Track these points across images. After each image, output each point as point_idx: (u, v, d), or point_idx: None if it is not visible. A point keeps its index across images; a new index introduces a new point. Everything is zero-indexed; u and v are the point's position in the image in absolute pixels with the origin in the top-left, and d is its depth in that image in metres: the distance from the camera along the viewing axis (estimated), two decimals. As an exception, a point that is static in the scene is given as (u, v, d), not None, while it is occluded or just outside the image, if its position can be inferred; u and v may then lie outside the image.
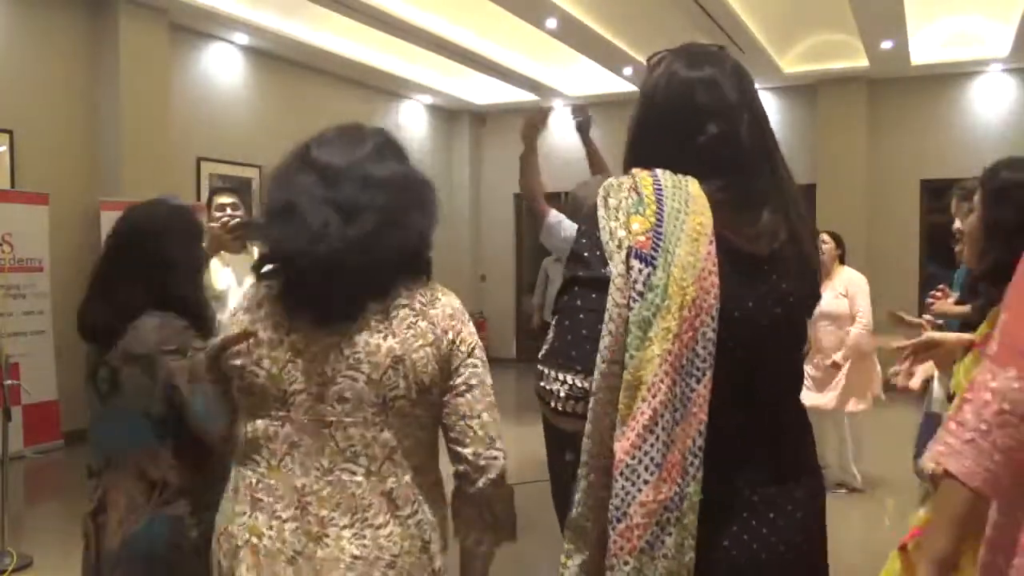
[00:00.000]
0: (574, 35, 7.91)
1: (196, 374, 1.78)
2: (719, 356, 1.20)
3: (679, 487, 1.17)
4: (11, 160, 6.26)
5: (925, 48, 8.57)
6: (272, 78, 8.52)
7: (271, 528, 1.41)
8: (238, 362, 1.45)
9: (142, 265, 1.92)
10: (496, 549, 1.51)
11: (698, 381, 1.19)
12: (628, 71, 8.90)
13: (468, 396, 1.43)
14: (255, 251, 3.97)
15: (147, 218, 2.00)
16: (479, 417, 1.42)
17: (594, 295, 1.23)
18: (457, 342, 1.45)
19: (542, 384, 1.24)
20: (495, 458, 1.41)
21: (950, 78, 9.19)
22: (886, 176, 9.50)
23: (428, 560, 1.44)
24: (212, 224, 3.71)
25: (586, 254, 1.26)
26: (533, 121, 3.15)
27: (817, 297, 1.40)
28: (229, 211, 3.76)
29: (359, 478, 1.41)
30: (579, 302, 1.24)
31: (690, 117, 1.30)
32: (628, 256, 1.20)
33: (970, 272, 3.00)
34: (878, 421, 5.60)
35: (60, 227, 6.26)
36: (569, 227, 3.16)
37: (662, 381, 1.17)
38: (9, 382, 4.24)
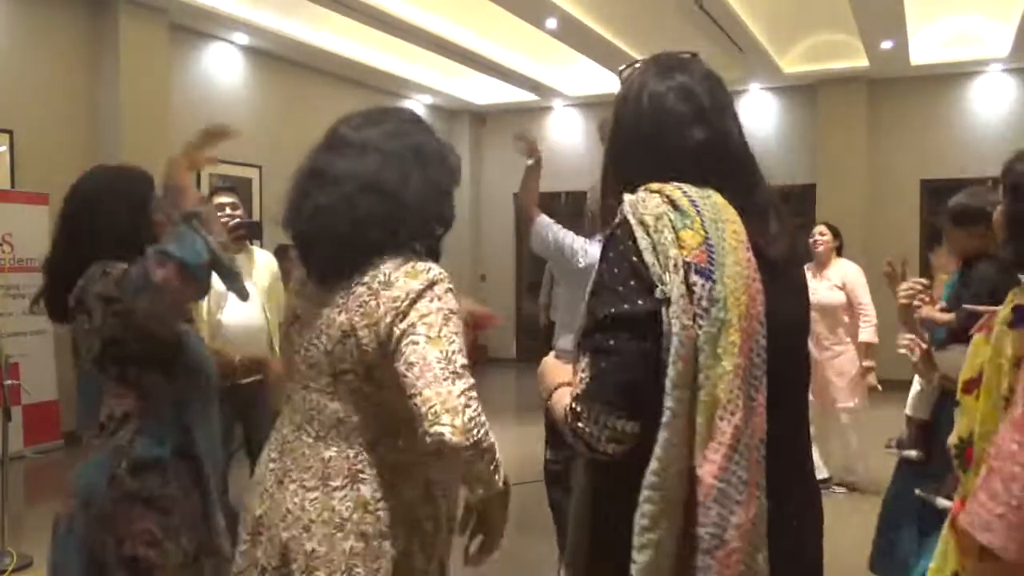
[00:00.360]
0: (574, 35, 7.91)
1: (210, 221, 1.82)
2: (772, 360, 1.19)
3: (759, 501, 1.14)
4: (11, 160, 6.26)
5: (925, 48, 8.57)
6: (272, 78, 8.52)
7: (263, 464, 1.61)
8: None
9: (85, 236, 1.90)
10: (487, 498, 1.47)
11: (757, 391, 1.17)
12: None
13: (409, 375, 1.37)
14: (254, 251, 3.99)
15: (76, 189, 2.01)
16: (420, 394, 1.35)
17: (631, 333, 1.17)
18: (398, 322, 1.43)
19: (580, 425, 1.18)
20: (440, 434, 1.32)
21: (950, 78, 9.19)
22: (886, 176, 9.49)
23: (341, 537, 1.46)
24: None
25: (620, 287, 1.19)
26: (533, 144, 3.19)
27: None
28: (228, 211, 3.76)
29: (309, 440, 1.54)
30: (615, 343, 1.17)
31: (671, 127, 1.28)
32: (687, 273, 1.15)
33: (961, 276, 2.99)
34: (874, 419, 5.59)
35: (60, 227, 6.26)
36: (558, 231, 3.18)
37: (738, 397, 1.13)
38: (9, 382, 4.24)
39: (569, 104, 10.96)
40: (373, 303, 1.47)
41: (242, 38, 7.97)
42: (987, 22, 8.28)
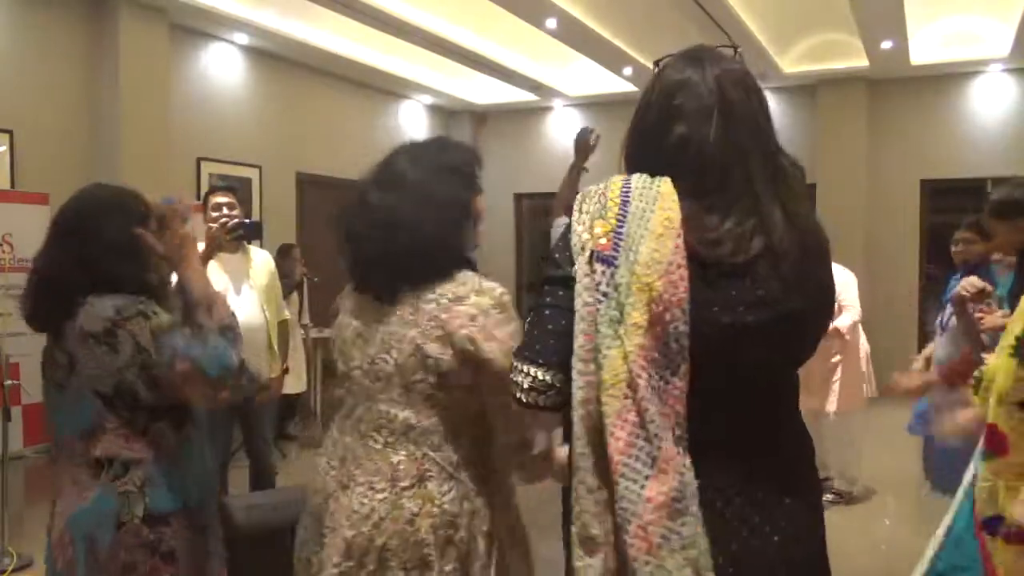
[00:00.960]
0: (574, 35, 7.90)
1: (212, 303, 1.83)
2: (695, 350, 1.20)
3: (680, 476, 1.17)
4: (11, 160, 6.25)
5: (925, 48, 8.57)
6: (272, 78, 8.52)
7: (323, 471, 1.75)
8: (336, 349, 1.80)
9: (75, 248, 1.87)
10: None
11: (673, 373, 1.19)
12: (628, 71, 8.90)
13: (503, 394, 1.44)
14: (251, 251, 3.98)
15: (76, 202, 1.97)
16: (513, 417, 1.56)
17: (560, 292, 1.28)
18: (473, 336, 1.61)
19: (511, 376, 1.30)
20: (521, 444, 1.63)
21: (950, 78, 9.19)
22: (886, 176, 9.49)
23: (413, 531, 1.61)
24: (210, 224, 3.70)
25: (557, 255, 1.32)
26: (587, 142, 3.20)
27: (824, 309, 1.35)
28: (226, 210, 3.75)
29: (378, 447, 1.67)
30: (547, 299, 1.30)
31: (665, 120, 1.31)
32: (591, 259, 1.24)
33: (1019, 269, 2.95)
34: (872, 422, 5.59)
35: (60, 227, 6.25)
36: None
37: (639, 376, 1.17)
38: (9, 382, 4.24)
39: (569, 104, 10.95)
40: (445, 317, 1.63)
41: (242, 38, 7.96)
42: (987, 22, 8.28)
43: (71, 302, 1.81)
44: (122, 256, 1.86)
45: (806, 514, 1.32)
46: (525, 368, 1.28)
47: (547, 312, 1.29)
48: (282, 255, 6.56)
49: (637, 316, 1.19)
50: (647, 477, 1.16)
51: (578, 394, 1.22)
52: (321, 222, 9.55)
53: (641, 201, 1.25)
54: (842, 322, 4.87)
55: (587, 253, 1.24)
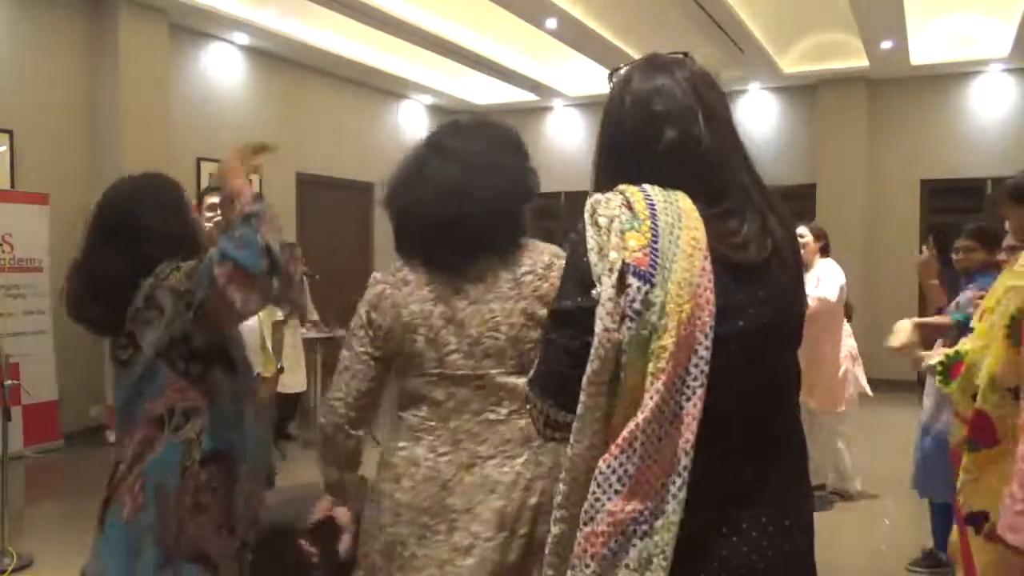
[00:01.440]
0: (574, 35, 7.91)
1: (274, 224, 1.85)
2: (727, 368, 1.18)
3: (652, 504, 1.16)
4: (11, 160, 6.26)
5: (925, 48, 8.57)
6: (272, 78, 8.52)
7: (426, 460, 1.70)
8: (396, 336, 1.74)
9: (118, 240, 1.90)
10: None
11: (688, 400, 1.16)
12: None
13: None
14: None
15: (114, 194, 1.99)
16: None
17: (562, 329, 1.24)
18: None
19: (529, 407, 1.31)
20: None
21: (950, 78, 9.19)
22: (886, 176, 9.49)
23: (553, 484, 1.56)
24: (206, 224, 3.70)
25: (568, 284, 1.26)
26: None
27: (803, 302, 1.37)
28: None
29: (502, 417, 1.70)
30: (554, 336, 1.26)
31: (648, 127, 1.28)
32: (624, 274, 1.17)
33: (967, 282, 3.00)
34: (868, 421, 5.58)
35: (60, 227, 6.24)
36: None
37: (651, 398, 1.15)
38: (9, 382, 4.23)
39: (569, 104, 10.96)
40: (546, 286, 1.69)
41: (242, 38, 7.97)
42: (987, 22, 8.28)
43: (120, 292, 1.85)
44: (172, 247, 1.90)
45: (807, 514, 1.32)
46: (539, 405, 1.27)
47: (555, 352, 1.25)
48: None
49: (666, 339, 1.15)
50: (616, 492, 1.16)
51: (586, 415, 1.19)
52: (321, 222, 9.55)
53: (667, 216, 1.20)
54: (825, 292, 4.74)
55: (616, 272, 1.17)
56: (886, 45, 8.14)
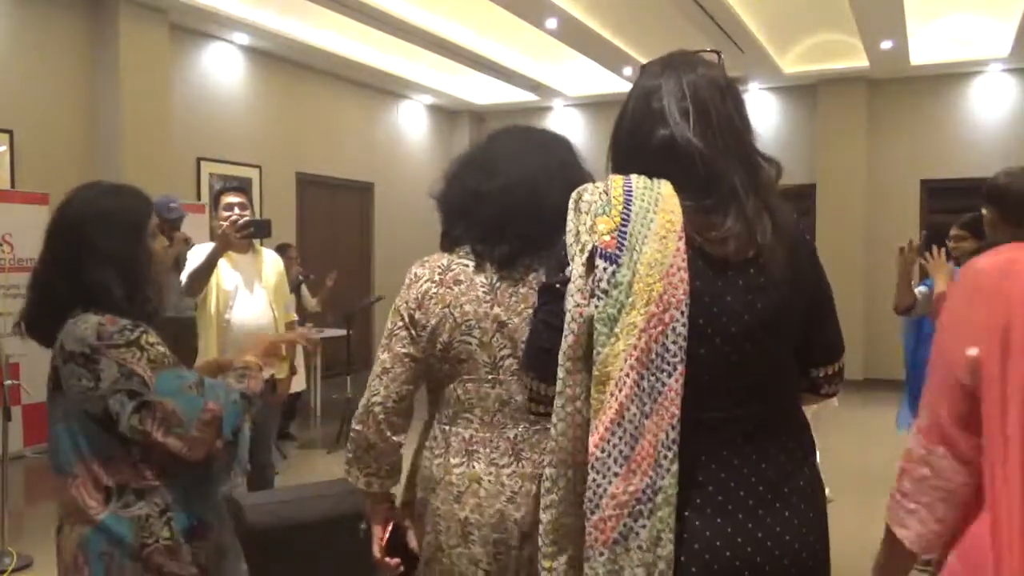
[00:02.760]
0: (574, 35, 7.90)
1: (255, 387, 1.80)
2: (700, 348, 1.22)
3: (651, 479, 1.19)
4: (11, 160, 6.26)
5: (925, 48, 8.57)
6: (272, 78, 8.52)
7: (487, 475, 1.61)
8: (444, 338, 1.64)
9: (65, 257, 1.74)
10: None
11: (669, 375, 1.20)
12: (628, 71, 8.90)
13: None
14: (262, 251, 3.99)
15: (68, 204, 1.81)
16: None
17: (547, 305, 1.32)
18: None
19: (520, 381, 1.40)
20: None
21: (950, 78, 9.19)
22: (886, 176, 9.49)
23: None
24: (221, 223, 3.71)
25: (554, 264, 1.35)
26: None
27: (815, 299, 1.35)
28: (237, 210, 3.76)
29: (536, 426, 1.60)
30: (538, 313, 1.34)
31: (645, 123, 1.33)
32: (592, 256, 1.24)
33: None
34: (867, 420, 5.57)
35: (60, 227, 6.26)
36: None
37: (627, 375, 1.20)
38: (9, 382, 4.23)
39: (569, 104, 10.96)
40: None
41: (242, 38, 7.97)
42: (987, 22, 8.28)
43: (61, 315, 1.71)
44: (115, 271, 1.72)
45: (808, 508, 1.32)
46: (524, 378, 1.36)
47: (538, 325, 1.34)
48: (279, 254, 6.56)
49: (635, 316, 1.20)
50: (616, 474, 1.19)
51: (565, 392, 1.24)
52: (321, 222, 9.56)
53: (643, 201, 1.26)
54: None
55: (587, 252, 1.25)
56: (886, 45, 8.14)
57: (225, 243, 3.54)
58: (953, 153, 9.15)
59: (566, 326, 1.24)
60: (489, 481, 1.61)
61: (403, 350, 1.66)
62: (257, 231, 3.68)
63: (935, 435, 1.20)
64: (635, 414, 1.20)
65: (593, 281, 1.23)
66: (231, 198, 3.82)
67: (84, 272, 1.71)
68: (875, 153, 9.53)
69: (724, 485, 1.25)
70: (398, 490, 1.79)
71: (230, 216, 3.71)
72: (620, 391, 1.20)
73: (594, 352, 1.22)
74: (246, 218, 3.69)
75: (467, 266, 1.66)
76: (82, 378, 1.65)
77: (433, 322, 1.64)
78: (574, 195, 1.33)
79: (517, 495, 1.60)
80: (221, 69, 7.99)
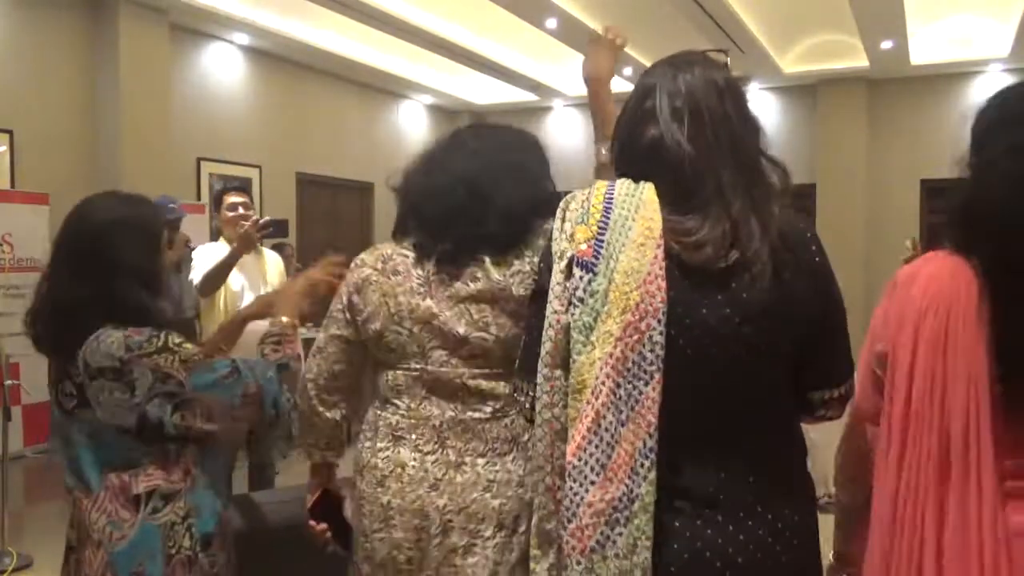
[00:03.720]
0: (574, 35, 7.90)
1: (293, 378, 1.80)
2: (673, 358, 1.20)
3: (627, 487, 1.19)
4: (11, 160, 6.26)
5: (925, 48, 8.57)
6: (272, 78, 8.52)
7: (409, 461, 1.65)
8: (377, 325, 1.68)
9: (86, 267, 1.71)
10: None
11: (646, 384, 1.19)
12: (628, 71, 8.89)
13: None
14: (264, 251, 4.00)
15: (89, 215, 1.78)
16: None
17: (531, 309, 1.37)
18: None
19: (515, 393, 1.42)
20: None
21: (950, 78, 9.19)
22: (886, 176, 9.49)
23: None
24: (227, 223, 3.72)
25: (541, 264, 1.38)
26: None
27: (783, 313, 1.25)
28: (241, 210, 3.77)
29: (486, 416, 1.65)
30: (531, 319, 1.37)
31: (638, 123, 1.32)
32: (570, 265, 1.25)
33: None
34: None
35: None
36: None
37: (603, 383, 1.19)
38: (9, 382, 4.24)
39: (569, 104, 10.95)
40: (523, 288, 1.62)
41: (242, 38, 7.97)
42: (987, 22, 8.28)
43: (83, 330, 1.69)
44: (141, 284, 1.73)
45: (794, 513, 1.28)
46: (519, 383, 1.39)
47: (527, 330, 1.38)
48: (277, 253, 6.57)
49: (610, 324, 1.20)
50: (592, 482, 1.19)
51: (543, 398, 1.26)
52: (321, 222, 9.55)
53: (624, 208, 1.25)
54: None
55: (565, 260, 1.26)
56: (886, 45, 8.14)
57: (246, 243, 3.56)
58: (953, 153, 9.14)
59: (544, 333, 1.26)
60: (413, 467, 1.65)
61: (337, 332, 1.74)
62: (276, 230, 3.70)
63: (857, 415, 1.34)
64: (612, 422, 1.19)
65: (571, 289, 1.24)
66: (234, 198, 3.83)
67: (109, 285, 1.70)
68: (875, 153, 9.53)
69: (707, 491, 1.23)
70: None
71: (234, 216, 3.71)
72: (596, 399, 1.20)
73: (571, 361, 1.23)
74: (250, 218, 3.70)
75: (407, 257, 1.71)
76: (115, 391, 1.65)
77: (369, 309, 1.69)
78: (562, 203, 1.33)
79: (440, 482, 1.63)
80: (221, 69, 7.99)
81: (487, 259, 1.64)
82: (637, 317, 1.20)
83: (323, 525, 1.83)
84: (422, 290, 1.67)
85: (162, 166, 6.95)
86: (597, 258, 1.24)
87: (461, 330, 1.63)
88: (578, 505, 1.20)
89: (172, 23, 7.17)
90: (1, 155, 6.21)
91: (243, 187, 4.27)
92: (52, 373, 1.78)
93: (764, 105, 9.89)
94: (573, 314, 1.23)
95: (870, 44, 8.15)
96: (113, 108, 6.74)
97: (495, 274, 1.63)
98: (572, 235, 1.27)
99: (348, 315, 1.73)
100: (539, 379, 1.26)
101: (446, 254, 1.66)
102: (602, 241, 1.24)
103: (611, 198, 1.27)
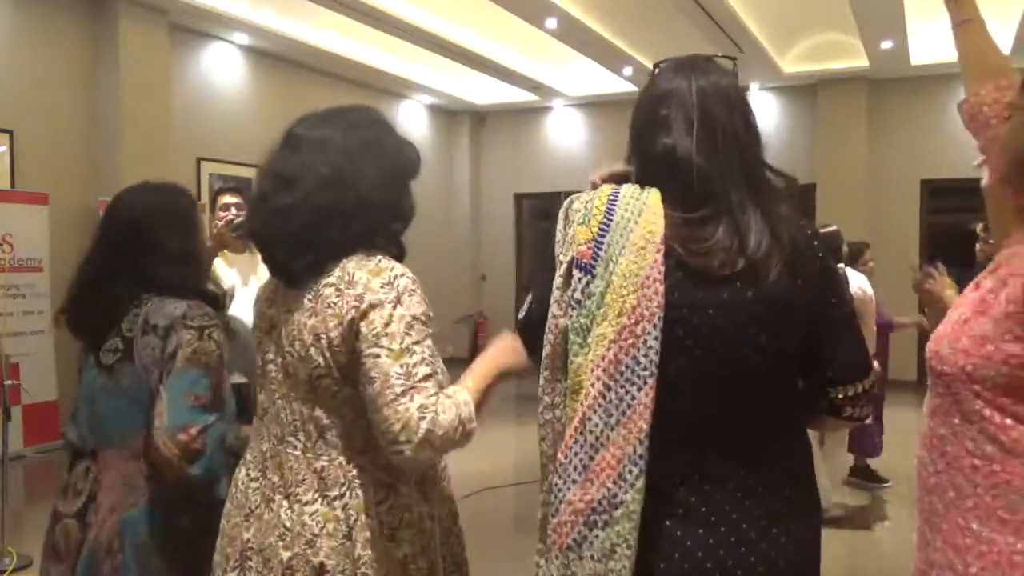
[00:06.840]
0: (574, 35, 7.91)
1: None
2: (680, 358, 1.20)
3: (609, 491, 1.18)
4: (11, 160, 6.26)
5: (925, 48, 8.57)
6: (272, 78, 8.52)
7: (242, 483, 1.54)
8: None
9: (129, 253, 1.82)
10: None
11: (639, 389, 1.18)
12: (628, 71, 8.90)
13: (369, 389, 1.37)
14: (256, 251, 4.00)
15: (130, 202, 1.90)
16: (379, 412, 1.35)
17: (532, 302, 1.38)
18: (360, 323, 1.39)
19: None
20: (400, 452, 1.34)
21: (950, 78, 9.18)
22: (886, 176, 9.50)
23: (350, 546, 1.41)
24: (217, 223, 3.73)
25: (548, 270, 1.36)
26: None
27: (790, 318, 1.26)
28: (234, 211, 3.77)
29: (297, 452, 1.47)
30: (525, 309, 1.40)
31: (652, 129, 1.31)
32: (569, 267, 1.26)
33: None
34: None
35: (60, 227, 6.25)
36: None
37: (593, 385, 1.20)
38: (9, 382, 4.23)
39: (569, 104, 10.95)
40: (340, 303, 1.41)
41: (242, 38, 7.97)
42: (987, 22, 8.28)
43: (125, 309, 1.79)
44: (183, 266, 1.83)
45: (793, 521, 1.27)
46: (539, 378, 1.36)
47: (546, 331, 1.37)
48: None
49: (605, 327, 1.20)
50: (574, 481, 1.21)
51: (544, 399, 1.28)
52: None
53: (626, 212, 1.26)
54: None
55: (565, 264, 1.27)
56: (886, 45, 8.15)
57: (219, 243, 3.59)
58: (953, 153, 9.14)
59: (545, 336, 1.27)
60: (240, 490, 1.54)
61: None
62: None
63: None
64: (597, 424, 1.20)
65: (569, 291, 1.25)
66: (228, 198, 3.85)
67: (156, 270, 1.81)
68: (875, 153, 9.53)
69: (707, 496, 1.22)
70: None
71: (226, 216, 3.74)
72: (584, 401, 1.21)
73: (568, 362, 1.24)
74: (241, 218, 3.71)
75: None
76: (155, 348, 1.74)
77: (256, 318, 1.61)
78: (565, 203, 1.33)
79: (251, 515, 1.49)
80: (221, 69, 7.99)
81: (314, 265, 1.47)
82: (633, 320, 1.19)
83: None
84: (272, 298, 1.57)
85: (162, 166, 6.94)
86: (596, 260, 1.24)
87: (284, 343, 1.50)
88: (560, 502, 1.22)
89: (172, 23, 7.17)
90: (1, 155, 6.21)
91: (239, 188, 4.27)
92: (90, 340, 1.86)
93: (764, 105, 9.89)
94: (571, 316, 1.24)
95: (870, 44, 8.16)
96: (113, 108, 6.74)
97: (311, 282, 1.48)
98: (574, 237, 1.28)
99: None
100: (540, 381, 1.28)
101: (310, 265, 1.48)
102: (602, 243, 1.25)
103: (615, 201, 1.28)
